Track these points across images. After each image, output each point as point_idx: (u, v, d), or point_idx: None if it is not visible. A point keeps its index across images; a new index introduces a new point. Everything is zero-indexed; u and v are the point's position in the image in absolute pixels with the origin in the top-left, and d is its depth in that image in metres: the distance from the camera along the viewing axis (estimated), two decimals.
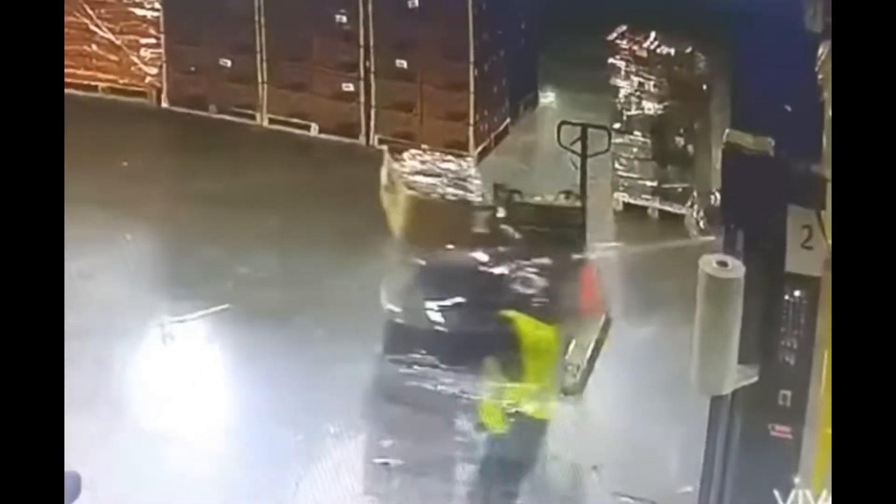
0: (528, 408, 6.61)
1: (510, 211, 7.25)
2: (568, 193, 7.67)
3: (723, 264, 5.03)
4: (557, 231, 7.34)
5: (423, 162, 7.57)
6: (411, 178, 7.34)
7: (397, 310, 6.73)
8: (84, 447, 6.77)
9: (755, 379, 5.44)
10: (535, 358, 6.53)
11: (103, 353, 8.16)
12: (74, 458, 6.83)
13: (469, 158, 7.71)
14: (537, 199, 7.47)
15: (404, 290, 6.84)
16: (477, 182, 7.37)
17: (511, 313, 6.49)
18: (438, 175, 7.37)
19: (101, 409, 7.63)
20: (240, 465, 7.42)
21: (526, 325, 6.51)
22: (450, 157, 7.84)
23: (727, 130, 5.37)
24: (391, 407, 6.70)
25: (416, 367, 6.49)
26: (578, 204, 7.63)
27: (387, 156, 7.65)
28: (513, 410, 6.57)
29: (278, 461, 7.27)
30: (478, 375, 6.52)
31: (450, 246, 6.78)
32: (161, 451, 7.46)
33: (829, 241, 4.96)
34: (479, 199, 7.30)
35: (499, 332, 6.49)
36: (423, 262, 6.78)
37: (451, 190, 7.27)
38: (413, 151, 7.83)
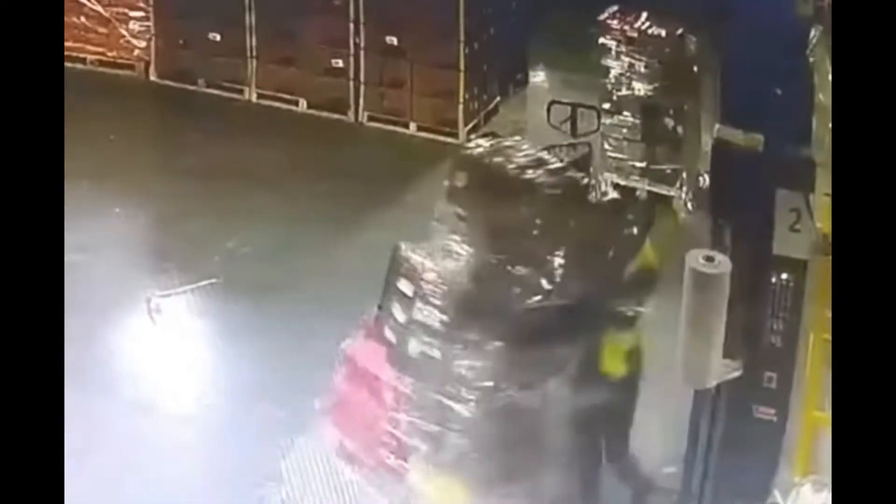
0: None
1: None
2: None
3: (709, 259, 5.09)
4: None
5: None
6: None
7: None
8: (70, 418, 6.80)
9: (739, 373, 5.50)
10: None
11: (91, 326, 8.17)
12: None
13: None
14: None
15: None
16: None
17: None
18: None
19: (88, 381, 7.61)
20: (224, 439, 7.47)
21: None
22: None
23: (717, 126, 5.41)
24: None
25: None
26: None
27: None
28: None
29: (262, 435, 7.32)
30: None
31: None
32: (146, 423, 7.51)
33: (818, 225, 5.06)
34: None
35: None
36: None
37: None
38: None
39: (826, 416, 5.36)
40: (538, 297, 5.60)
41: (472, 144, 6.18)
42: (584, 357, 6.01)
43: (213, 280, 8.76)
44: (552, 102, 8.92)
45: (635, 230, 6.25)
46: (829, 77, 4.70)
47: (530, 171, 5.67)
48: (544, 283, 5.61)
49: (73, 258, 8.75)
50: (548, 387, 5.89)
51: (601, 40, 10.06)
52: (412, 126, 11.08)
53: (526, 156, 5.77)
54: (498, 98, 11.61)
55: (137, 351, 8.32)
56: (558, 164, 5.81)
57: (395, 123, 11.22)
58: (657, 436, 7.05)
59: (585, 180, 5.88)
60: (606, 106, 9.97)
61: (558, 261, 5.62)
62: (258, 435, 7.35)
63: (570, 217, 5.76)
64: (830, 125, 4.55)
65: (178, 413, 7.68)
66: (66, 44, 11.55)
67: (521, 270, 5.63)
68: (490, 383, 5.68)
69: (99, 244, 9.24)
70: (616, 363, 6.21)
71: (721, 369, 5.34)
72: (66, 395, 7.15)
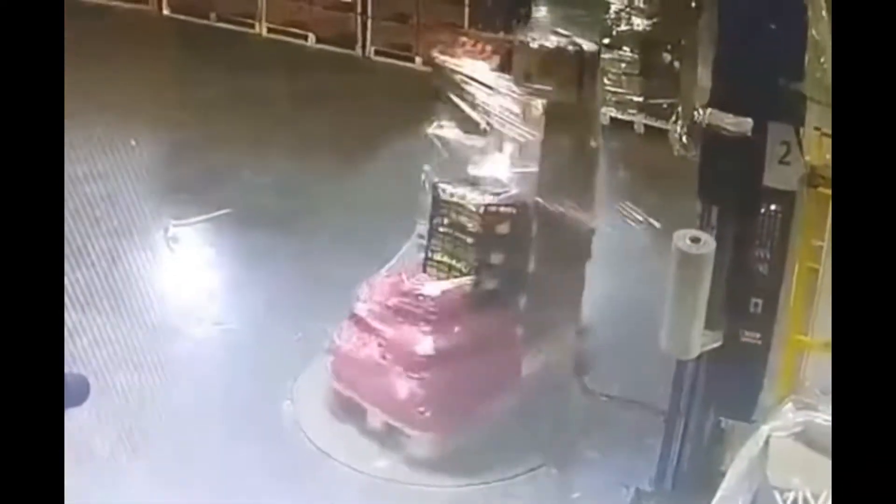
0: None
1: None
2: None
3: (695, 240, 5.22)
4: None
5: None
6: None
7: None
8: (90, 342, 7.05)
9: (720, 343, 5.66)
10: None
11: (110, 253, 8.30)
12: (81, 353, 7.13)
13: None
14: None
15: None
16: None
17: None
18: None
19: (108, 306, 7.79)
20: (240, 361, 7.53)
21: None
22: None
23: (708, 111, 5.41)
24: None
25: None
26: None
27: None
28: None
29: (277, 358, 7.43)
30: None
31: None
32: (164, 347, 7.60)
33: (806, 158, 5.11)
34: None
35: None
36: None
37: None
38: None
39: (808, 340, 5.46)
40: None
41: None
42: None
43: (228, 210, 8.87)
44: None
45: None
46: (823, 13, 4.72)
47: None
48: None
49: (93, 186, 9.05)
50: None
51: None
52: (418, 60, 11.20)
53: None
54: (501, 33, 11.75)
55: (155, 277, 8.45)
56: None
57: (401, 58, 11.38)
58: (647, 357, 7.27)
59: None
60: (606, 41, 10.13)
61: None
62: (271, 357, 7.44)
63: None
64: (822, 60, 4.61)
65: (194, 336, 7.78)
66: None
67: None
68: None
69: (117, 175, 9.28)
70: None
71: (703, 340, 5.49)
72: (86, 317, 7.45)
